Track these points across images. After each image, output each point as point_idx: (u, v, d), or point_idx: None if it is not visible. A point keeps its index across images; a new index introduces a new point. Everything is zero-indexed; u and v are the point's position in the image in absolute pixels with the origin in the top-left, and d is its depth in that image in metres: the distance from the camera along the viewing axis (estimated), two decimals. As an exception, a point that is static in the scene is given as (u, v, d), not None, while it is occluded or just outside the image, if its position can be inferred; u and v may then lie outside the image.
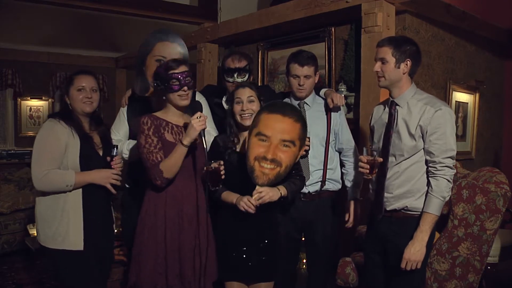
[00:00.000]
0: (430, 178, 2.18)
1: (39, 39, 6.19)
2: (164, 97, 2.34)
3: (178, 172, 2.24)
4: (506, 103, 4.87)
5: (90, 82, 2.41)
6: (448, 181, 2.14)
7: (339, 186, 2.83)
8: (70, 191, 2.30)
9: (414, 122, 2.17)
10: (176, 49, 2.74)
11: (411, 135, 2.18)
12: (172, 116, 2.33)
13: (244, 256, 2.31)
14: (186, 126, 2.26)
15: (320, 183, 2.72)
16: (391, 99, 2.28)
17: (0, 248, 4.94)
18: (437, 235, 2.93)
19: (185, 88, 2.26)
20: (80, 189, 2.34)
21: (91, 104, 2.41)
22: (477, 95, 4.32)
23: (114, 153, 2.38)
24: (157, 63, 2.65)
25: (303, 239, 2.87)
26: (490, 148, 4.67)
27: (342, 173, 2.84)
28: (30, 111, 6.69)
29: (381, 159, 2.21)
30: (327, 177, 2.74)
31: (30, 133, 6.54)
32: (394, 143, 2.23)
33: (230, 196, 2.28)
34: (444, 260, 2.69)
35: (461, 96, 4.10)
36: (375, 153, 2.19)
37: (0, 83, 6.32)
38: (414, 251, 2.14)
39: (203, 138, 2.21)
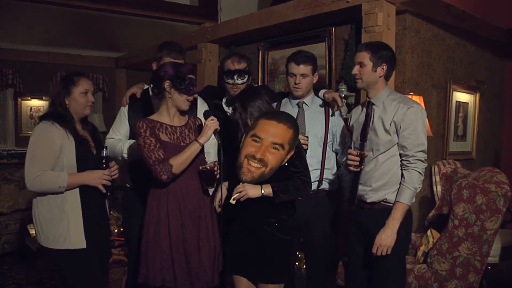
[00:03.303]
0: (403, 171, 2.34)
1: (39, 39, 6.19)
2: (169, 96, 2.36)
3: (184, 170, 2.33)
4: (506, 103, 4.87)
5: (91, 86, 2.45)
6: (420, 173, 2.31)
7: (336, 186, 2.84)
8: (62, 192, 2.30)
9: (389, 118, 2.34)
10: None
11: (386, 130, 2.34)
12: (166, 117, 2.41)
13: (254, 255, 2.29)
14: (200, 127, 2.43)
15: (317, 182, 2.73)
16: (368, 99, 2.45)
17: (1, 248, 4.94)
18: (437, 234, 2.93)
19: (196, 95, 2.40)
20: (77, 188, 2.35)
21: (91, 107, 2.47)
22: (478, 95, 4.32)
23: (104, 154, 2.40)
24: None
25: (301, 239, 2.87)
26: (490, 148, 4.67)
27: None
28: (30, 111, 6.68)
29: (368, 153, 2.36)
30: (324, 176, 2.76)
31: (31, 133, 6.51)
32: (371, 139, 2.39)
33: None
34: (445, 260, 2.70)
35: (461, 96, 4.09)
36: (365, 146, 2.35)
37: (1, 83, 6.32)
38: (385, 237, 2.27)
39: (217, 136, 2.36)
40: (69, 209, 2.32)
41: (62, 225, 2.30)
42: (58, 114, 2.39)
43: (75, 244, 2.31)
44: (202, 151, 2.40)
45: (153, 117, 2.40)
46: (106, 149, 2.42)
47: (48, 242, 2.33)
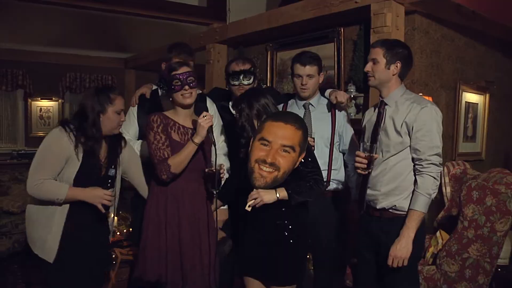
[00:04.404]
0: (416, 176, 2.21)
1: (49, 40, 6.24)
2: (170, 99, 2.41)
3: (183, 170, 2.34)
4: (516, 103, 4.84)
5: (123, 103, 2.39)
6: (435, 178, 2.17)
7: (343, 187, 2.84)
8: (60, 205, 2.25)
9: (400, 119, 2.23)
10: None
11: (397, 131, 2.24)
12: (179, 116, 2.42)
13: (266, 257, 2.25)
14: (195, 125, 2.37)
15: (324, 183, 2.73)
16: (381, 99, 2.35)
17: (11, 247, 4.98)
18: (446, 236, 2.92)
19: (186, 87, 2.34)
20: (68, 205, 2.28)
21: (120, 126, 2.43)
22: (487, 95, 4.29)
23: (111, 173, 2.37)
24: None
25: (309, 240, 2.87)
26: (500, 149, 4.63)
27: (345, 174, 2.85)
28: (40, 112, 6.76)
29: (377, 155, 2.25)
30: (331, 177, 2.76)
31: (41, 133, 6.60)
32: (381, 140, 2.29)
33: None
34: (454, 262, 2.68)
35: (471, 97, 4.07)
36: (374, 147, 2.22)
37: (11, 84, 6.40)
38: (400, 248, 2.17)
39: (211, 135, 2.33)
40: (55, 220, 2.27)
41: (43, 232, 2.27)
42: (85, 128, 2.29)
43: (46, 254, 2.26)
44: (198, 150, 2.37)
45: (168, 113, 2.41)
46: (114, 168, 2.39)
47: (29, 242, 2.32)
